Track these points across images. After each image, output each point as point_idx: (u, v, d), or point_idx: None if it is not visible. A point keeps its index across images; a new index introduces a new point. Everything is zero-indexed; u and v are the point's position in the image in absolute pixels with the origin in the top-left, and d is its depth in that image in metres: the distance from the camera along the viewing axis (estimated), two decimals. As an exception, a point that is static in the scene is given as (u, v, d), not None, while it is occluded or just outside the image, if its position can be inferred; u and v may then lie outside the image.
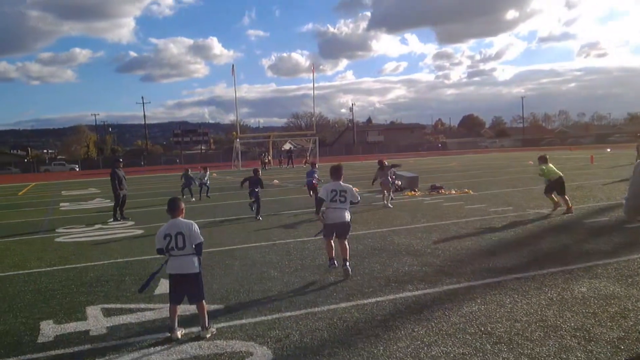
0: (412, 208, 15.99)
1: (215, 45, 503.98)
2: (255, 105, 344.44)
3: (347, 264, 8.09)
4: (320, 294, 7.14)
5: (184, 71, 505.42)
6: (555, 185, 13.80)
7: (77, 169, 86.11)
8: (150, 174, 52.70)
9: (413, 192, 20.17)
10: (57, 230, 14.80)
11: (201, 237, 5.80)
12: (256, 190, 15.23)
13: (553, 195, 13.84)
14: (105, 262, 10.09)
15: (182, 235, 5.71)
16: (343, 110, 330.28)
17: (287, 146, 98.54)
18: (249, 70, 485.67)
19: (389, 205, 16.52)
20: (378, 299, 6.77)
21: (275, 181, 31.09)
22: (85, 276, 8.95)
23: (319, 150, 62.70)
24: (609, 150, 56.97)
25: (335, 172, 8.41)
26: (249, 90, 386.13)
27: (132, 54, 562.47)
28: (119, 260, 10.19)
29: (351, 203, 8.35)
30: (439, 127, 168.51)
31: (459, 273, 7.88)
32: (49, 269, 9.71)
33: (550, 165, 14.20)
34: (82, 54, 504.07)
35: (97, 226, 15.33)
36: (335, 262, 8.30)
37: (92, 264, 9.97)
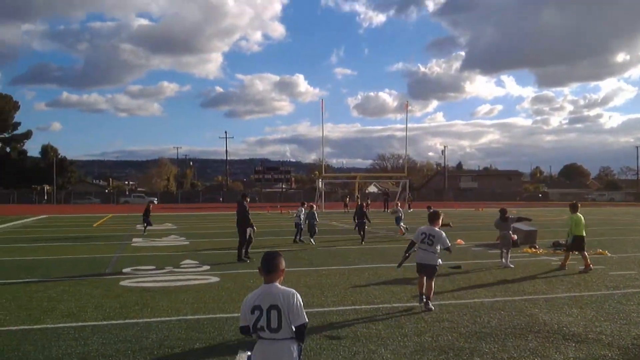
0: (539, 271, 13.68)
1: (301, 83, 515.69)
2: (339, 145, 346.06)
3: (430, 303, 9.05)
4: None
5: (268, 108, 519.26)
6: (578, 243, 13.83)
7: (156, 202, 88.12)
8: (230, 211, 52.40)
9: (533, 249, 17.76)
10: (123, 271, 13.68)
11: (305, 317, 4.10)
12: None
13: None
14: (173, 318, 8.63)
15: (277, 310, 4.04)
16: (431, 154, 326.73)
17: (371, 188, 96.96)
18: (333, 109, 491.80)
19: (510, 264, 14.29)
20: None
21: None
22: (146, 337, 7.47)
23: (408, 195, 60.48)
24: None
25: (431, 218, 9.46)
26: (332, 130, 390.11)
27: (218, 89, 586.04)
28: (188, 317, 8.69)
29: (442, 249, 9.21)
30: (538, 176, 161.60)
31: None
32: (105, 322, 8.33)
33: (580, 216, 14.08)
34: (170, 87, 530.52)
35: (167, 269, 14.08)
36: (422, 297, 9.16)
37: (157, 319, 8.52)
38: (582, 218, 14.07)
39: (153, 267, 14.37)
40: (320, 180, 58.38)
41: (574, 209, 14.27)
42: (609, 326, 7.92)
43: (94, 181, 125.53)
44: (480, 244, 19.93)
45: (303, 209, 21.85)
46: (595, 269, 13.64)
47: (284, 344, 4.03)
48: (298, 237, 21.00)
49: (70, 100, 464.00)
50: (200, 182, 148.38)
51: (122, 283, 11.89)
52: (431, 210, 9.91)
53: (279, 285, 4.16)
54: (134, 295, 10.46)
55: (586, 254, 13.71)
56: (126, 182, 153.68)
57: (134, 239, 22.53)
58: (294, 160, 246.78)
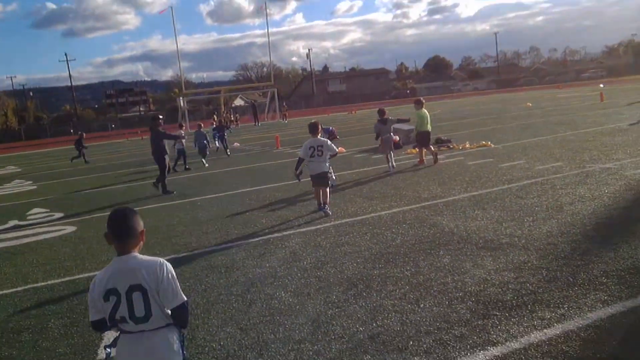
0: (431, 171, 13.49)
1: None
2: (196, 58, 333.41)
3: (327, 207, 9.70)
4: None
5: (112, 23, 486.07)
6: (423, 138, 14.69)
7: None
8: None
9: (416, 150, 17.66)
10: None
11: (182, 294, 3.05)
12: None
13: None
14: (19, 288, 7.26)
15: (141, 291, 2.95)
16: (295, 59, 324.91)
17: (238, 102, 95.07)
18: (185, 18, 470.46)
19: (393, 166, 14.01)
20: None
21: (236, 144, 28.17)
22: (-17, 322, 6.11)
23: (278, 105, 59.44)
24: (602, 86, 55.61)
25: (313, 129, 9.87)
26: (186, 42, 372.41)
27: (50, 5, 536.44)
28: (39, 284, 7.35)
29: (330, 156, 9.81)
30: (404, 72, 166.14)
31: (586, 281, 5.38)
32: None
33: (425, 111, 14.74)
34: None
35: (11, 223, 12.28)
36: (322, 206, 9.68)
37: (2, 292, 7.13)
38: (427, 113, 14.78)
39: (-7, 223, 12.48)
40: (181, 98, 55.66)
41: (418, 105, 14.99)
42: (518, 227, 7.62)
43: None
44: (362, 149, 19.61)
45: (182, 132, 20.08)
46: (483, 162, 13.70)
47: (157, 335, 2.96)
48: (174, 165, 19.06)
49: None
50: (46, 114, 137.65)
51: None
52: (311, 122, 10.18)
53: (139, 256, 3.04)
54: (-32, 265, 8.82)
55: (431, 148, 14.92)
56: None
57: None
58: (148, 79, 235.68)
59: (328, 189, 9.86)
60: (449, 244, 7.20)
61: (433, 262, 6.54)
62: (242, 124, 52.22)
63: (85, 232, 10.46)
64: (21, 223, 12.14)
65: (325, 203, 9.69)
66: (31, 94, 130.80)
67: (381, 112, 14.62)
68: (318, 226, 8.89)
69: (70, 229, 10.93)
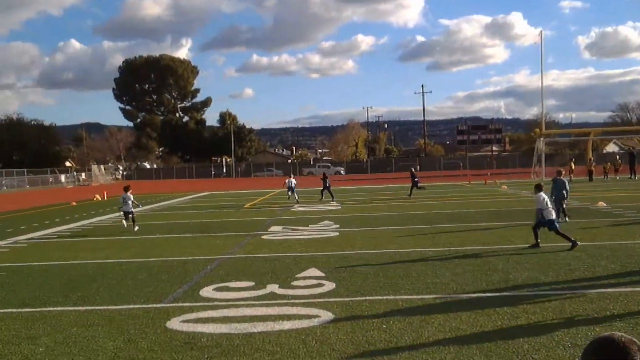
0: None
1: (519, 22, 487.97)
2: (566, 96, 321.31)
3: None
4: None
5: (479, 56, 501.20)
6: None
7: (342, 173, 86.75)
8: (425, 182, 47.84)
9: None
10: (179, 305, 9.95)
11: None
12: None
13: None
14: None
15: None
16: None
17: (611, 147, 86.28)
18: (559, 52, 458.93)
19: None
20: None
21: (601, 203, 22.90)
22: None
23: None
24: None
25: None
26: (557, 78, 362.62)
27: (419, 38, 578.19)
28: None
29: None
30: None
31: None
32: None
33: None
34: (365, 41, 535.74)
35: (264, 290, 10.05)
36: None
37: None
38: None
39: (245, 284, 10.41)
40: (540, 139, 51.08)
41: None
42: None
43: (276, 150, 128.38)
44: None
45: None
46: None
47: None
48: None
49: (261, 64, 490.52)
50: (398, 148, 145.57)
51: (171, 325, 8.05)
52: None
53: None
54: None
55: None
56: (320, 151, 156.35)
57: (271, 228, 19.02)
58: (509, 117, 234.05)
59: None
60: None
61: None
62: (611, 175, 45.20)
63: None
64: (276, 292, 9.78)
65: None
66: (386, 126, 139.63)
67: None
68: None
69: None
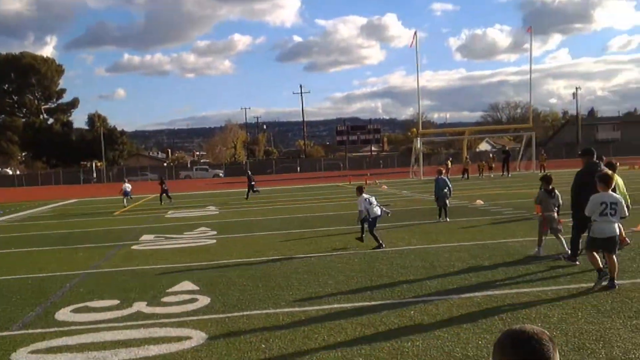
0: None
1: (393, 24, 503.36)
2: (440, 97, 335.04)
3: (615, 281, 8.58)
4: None
5: (355, 57, 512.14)
6: None
7: (222, 175, 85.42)
8: (306, 183, 47.69)
9: None
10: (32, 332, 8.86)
11: None
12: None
13: None
14: None
15: None
16: (553, 100, 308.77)
17: (484, 146, 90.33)
18: (432, 53, 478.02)
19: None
20: None
21: (479, 201, 23.43)
22: None
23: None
24: None
25: (605, 180, 8.89)
26: (431, 79, 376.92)
27: (296, 38, 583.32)
28: None
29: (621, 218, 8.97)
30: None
31: None
32: None
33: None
34: (242, 41, 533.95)
35: (137, 305, 9.13)
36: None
37: None
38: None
39: (108, 303, 9.41)
40: (417, 139, 52.37)
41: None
42: None
43: (150, 153, 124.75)
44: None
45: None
46: None
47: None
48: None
49: (133, 63, 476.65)
50: (277, 149, 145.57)
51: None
52: (602, 172, 9.32)
53: None
54: None
55: None
56: (197, 153, 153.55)
57: (142, 237, 17.87)
58: (387, 117, 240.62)
59: (615, 258, 8.73)
60: None
61: None
62: (486, 173, 47.00)
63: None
64: (145, 310, 8.87)
65: (613, 277, 8.68)
66: (264, 127, 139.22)
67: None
68: None
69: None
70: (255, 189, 33.27)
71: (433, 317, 7.77)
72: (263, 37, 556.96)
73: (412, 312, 8.04)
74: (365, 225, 13.79)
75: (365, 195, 13.84)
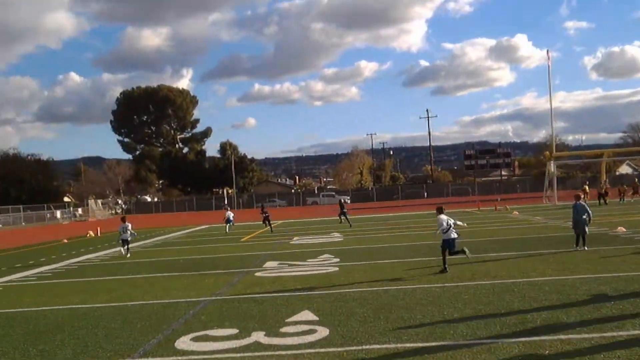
0: None
1: (523, 44, 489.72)
2: (575, 118, 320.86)
3: None
4: None
5: (484, 80, 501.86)
6: None
7: (348, 201, 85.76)
8: (433, 209, 46.72)
9: None
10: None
11: None
12: None
13: None
14: None
15: None
16: None
17: (624, 169, 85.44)
18: (565, 73, 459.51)
19: None
20: None
21: (621, 228, 21.83)
22: None
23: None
24: None
25: None
26: (565, 99, 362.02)
27: (423, 63, 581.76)
28: None
29: None
30: None
31: None
32: None
33: None
34: (368, 67, 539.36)
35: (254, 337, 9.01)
36: None
37: None
38: None
39: (227, 332, 9.35)
40: (551, 162, 50.06)
41: None
42: None
43: (279, 180, 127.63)
44: None
45: None
46: None
47: None
48: None
49: (263, 93, 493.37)
50: (405, 175, 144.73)
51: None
52: None
53: None
54: None
55: None
56: (324, 179, 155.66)
57: (266, 264, 17.98)
58: (517, 140, 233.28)
59: None
60: None
61: None
62: (628, 198, 44.04)
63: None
64: (263, 341, 8.73)
65: None
66: (391, 152, 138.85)
67: None
68: None
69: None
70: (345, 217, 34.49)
71: (571, 358, 7.05)
72: (389, 63, 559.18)
73: (546, 351, 7.35)
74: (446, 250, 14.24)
75: (444, 217, 14.26)
